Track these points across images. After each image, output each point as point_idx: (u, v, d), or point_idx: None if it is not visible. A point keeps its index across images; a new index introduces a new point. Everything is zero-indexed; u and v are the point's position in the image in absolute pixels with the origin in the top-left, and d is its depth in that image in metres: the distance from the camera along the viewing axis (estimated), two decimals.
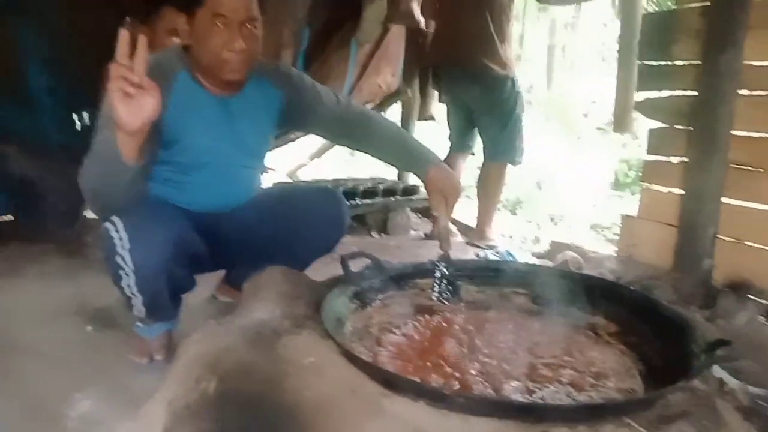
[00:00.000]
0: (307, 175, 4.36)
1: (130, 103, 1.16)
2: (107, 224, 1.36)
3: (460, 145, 3.24)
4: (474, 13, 2.84)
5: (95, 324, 1.82)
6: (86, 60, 2.10)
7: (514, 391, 1.07)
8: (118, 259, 1.35)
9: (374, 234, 3.22)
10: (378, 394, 0.97)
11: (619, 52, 4.85)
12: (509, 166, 3.13)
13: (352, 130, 1.65)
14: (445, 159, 3.13)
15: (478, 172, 3.26)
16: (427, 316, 1.45)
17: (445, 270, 1.49)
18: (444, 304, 1.48)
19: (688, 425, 0.88)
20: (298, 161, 4.39)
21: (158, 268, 1.36)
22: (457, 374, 1.13)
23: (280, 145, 3.10)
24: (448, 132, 3.29)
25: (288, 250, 1.59)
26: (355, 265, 1.49)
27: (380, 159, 1.70)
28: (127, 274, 1.36)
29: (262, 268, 1.46)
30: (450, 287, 1.50)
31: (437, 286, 1.49)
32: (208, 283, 1.91)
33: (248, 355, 1.13)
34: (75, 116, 2.70)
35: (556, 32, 8.90)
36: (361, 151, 1.74)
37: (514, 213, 5.15)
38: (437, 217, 1.55)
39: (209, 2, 1.39)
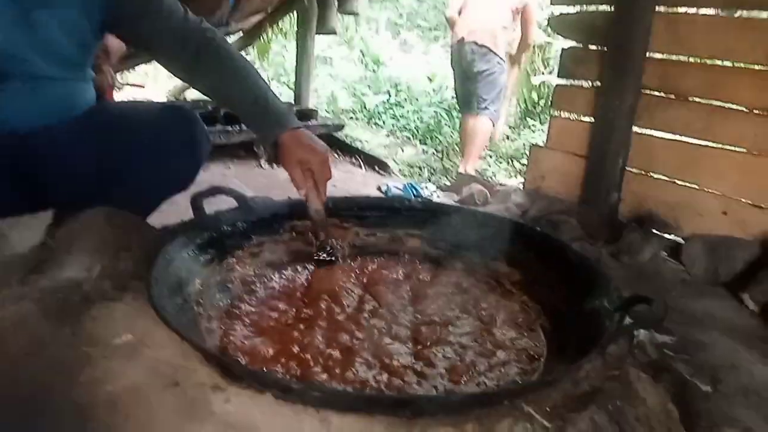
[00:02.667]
0: (194, 96, 3.84)
1: None
2: None
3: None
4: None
5: None
6: None
7: (395, 363, 0.86)
8: None
9: (264, 165, 2.87)
10: (209, 387, 0.72)
11: None
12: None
13: (198, 62, 1.24)
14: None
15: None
16: (302, 269, 1.21)
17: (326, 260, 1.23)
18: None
19: (600, 410, 0.71)
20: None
21: None
22: (325, 349, 0.90)
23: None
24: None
25: (122, 185, 1.23)
26: (217, 205, 1.20)
27: (226, 107, 1.31)
28: None
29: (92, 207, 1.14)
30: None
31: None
32: (40, 225, 1.54)
33: (42, 332, 0.84)
34: None
35: None
36: (203, 92, 1.33)
37: (423, 142, 4.95)
38: (305, 198, 1.19)
39: None
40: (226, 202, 1.24)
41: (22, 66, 1.17)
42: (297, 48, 3.36)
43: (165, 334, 0.81)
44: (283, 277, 1.18)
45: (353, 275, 1.20)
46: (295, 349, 0.90)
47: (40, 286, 0.95)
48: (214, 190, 1.18)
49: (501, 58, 3.63)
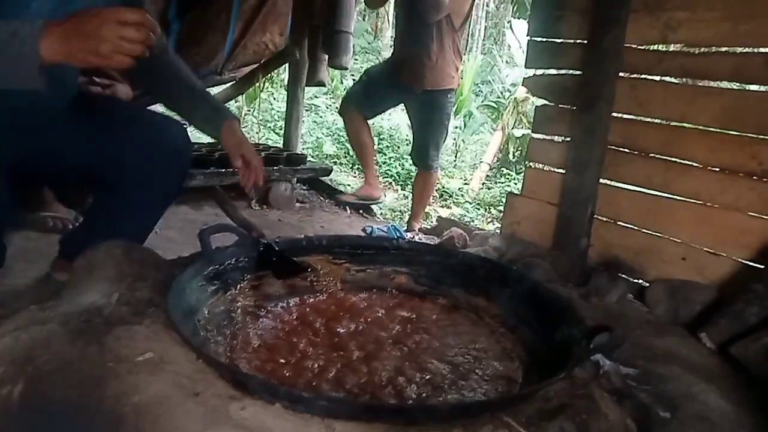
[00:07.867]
0: None
1: None
2: None
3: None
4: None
5: None
6: None
7: (386, 384, 0.96)
8: None
9: (255, 206, 2.99)
10: (225, 397, 0.81)
11: None
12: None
13: (161, 81, 1.51)
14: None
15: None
16: (298, 300, 1.31)
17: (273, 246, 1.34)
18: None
19: (567, 421, 0.82)
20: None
21: None
22: (324, 369, 1.00)
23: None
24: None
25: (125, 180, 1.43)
26: (222, 242, 1.30)
27: (176, 110, 1.58)
28: None
29: (100, 240, 1.24)
30: (283, 261, 1.34)
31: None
32: (43, 259, 1.62)
33: (68, 351, 0.92)
34: None
35: None
36: (156, 95, 1.63)
37: (404, 188, 5.12)
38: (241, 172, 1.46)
39: None
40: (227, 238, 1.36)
41: None
42: (287, 97, 3.53)
43: (183, 353, 0.91)
44: (280, 307, 1.28)
45: (343, 309, 1.30)
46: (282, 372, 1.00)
47: (62, 310, 1.03)
48: (220, 227, 1.29)
49: None
